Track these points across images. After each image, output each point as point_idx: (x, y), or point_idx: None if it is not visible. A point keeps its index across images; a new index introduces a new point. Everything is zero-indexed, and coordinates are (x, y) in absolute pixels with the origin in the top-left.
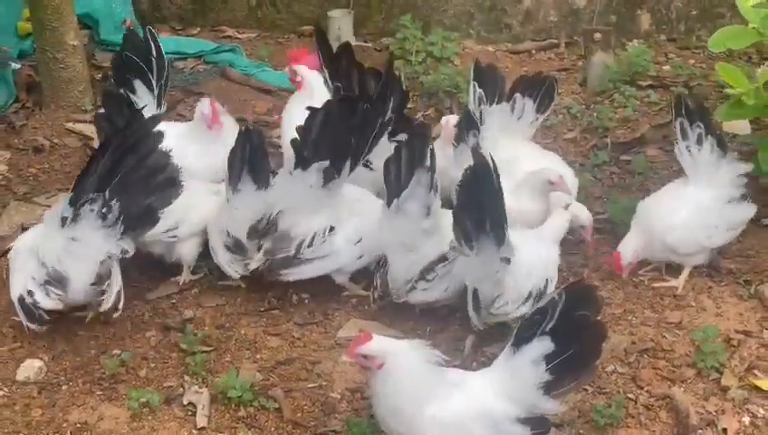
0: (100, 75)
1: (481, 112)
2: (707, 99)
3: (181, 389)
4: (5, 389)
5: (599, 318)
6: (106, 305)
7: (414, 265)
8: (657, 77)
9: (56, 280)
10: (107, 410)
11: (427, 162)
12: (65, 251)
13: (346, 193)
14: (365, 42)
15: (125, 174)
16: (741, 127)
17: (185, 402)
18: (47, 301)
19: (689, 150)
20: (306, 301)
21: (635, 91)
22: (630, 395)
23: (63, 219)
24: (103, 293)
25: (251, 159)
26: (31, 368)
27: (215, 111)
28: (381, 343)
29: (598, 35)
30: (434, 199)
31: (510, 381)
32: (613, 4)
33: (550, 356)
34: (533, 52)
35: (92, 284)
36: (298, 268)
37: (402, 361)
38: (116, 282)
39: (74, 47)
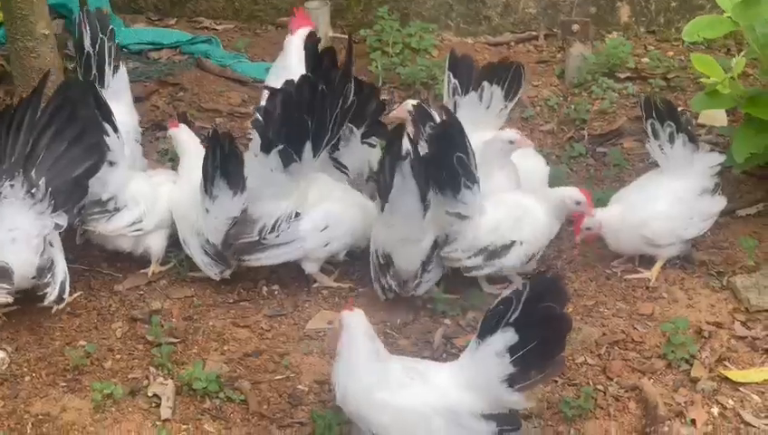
0: (72, 65)
1: (455, 103)
2: (685, 91)
3: (146, 380)
4: None
5: (564, 310)
6: (51, 297)
7: (417, 257)
8: (635, 69)
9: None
10: (70, 401)
11: (404, 154)
12: None
13: (314, 180)
14: (342, 33)
15: (47, 150)
16: (718, 119)
17: (149, 394)
18: None
19: (662, 148)
20: (276, 293)
21: (613, 84)
22: (600, 387)
23: None
24: (47, 285)
25: (223, 165)
26: None
27: None
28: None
29: (576, 27)
30: (429, 189)
31: (475, 374)
32: None
33: (514, 348)
34: (512, 44)
35: (37, 268)
36: (262, 254)
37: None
38: (60, 271)
39: (46, 36)
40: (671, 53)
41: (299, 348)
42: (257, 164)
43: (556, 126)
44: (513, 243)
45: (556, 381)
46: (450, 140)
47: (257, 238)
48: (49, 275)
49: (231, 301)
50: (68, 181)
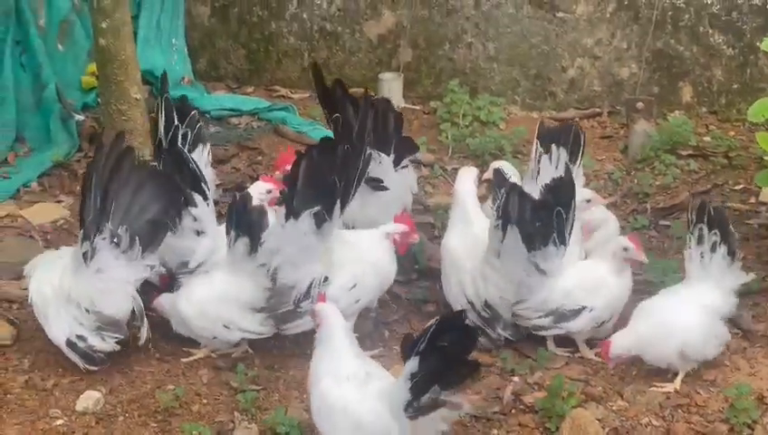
0: None
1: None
2: (746, 169)
3: (231, 423)
4: (65, 418)
5: (464, 353)
6: (143, 338)
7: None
8: (697, 147)
9: (110, 324)
10: None
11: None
12: (98, 288)
13: (338, 237)
14: (413, 104)
15: (117, 201)
16: None
17: None
18: (104, 344)
19: (702, 256)
20: None
21: (675, 160)
22: None
23: (84, 255)
24: (140, 327)
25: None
26: (90, 399)
27: None
28: (328, 310)
29: (640, 105)
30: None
31: (392, 393)
32: (656, 76)
33: (413, 375)
34: (577, 119)
35: (134, 312)
36: (300, 321)
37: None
38: (144, 317)
39: (137, 100)
40: (732, 133)
41: None
42: (288, 232)
43: (619, 199)
44: (582, 308)
45: None
46: (558, 194)
47: (293, 306)
48: (140, 319)
49: (309, 352)
50: (146, 224)
